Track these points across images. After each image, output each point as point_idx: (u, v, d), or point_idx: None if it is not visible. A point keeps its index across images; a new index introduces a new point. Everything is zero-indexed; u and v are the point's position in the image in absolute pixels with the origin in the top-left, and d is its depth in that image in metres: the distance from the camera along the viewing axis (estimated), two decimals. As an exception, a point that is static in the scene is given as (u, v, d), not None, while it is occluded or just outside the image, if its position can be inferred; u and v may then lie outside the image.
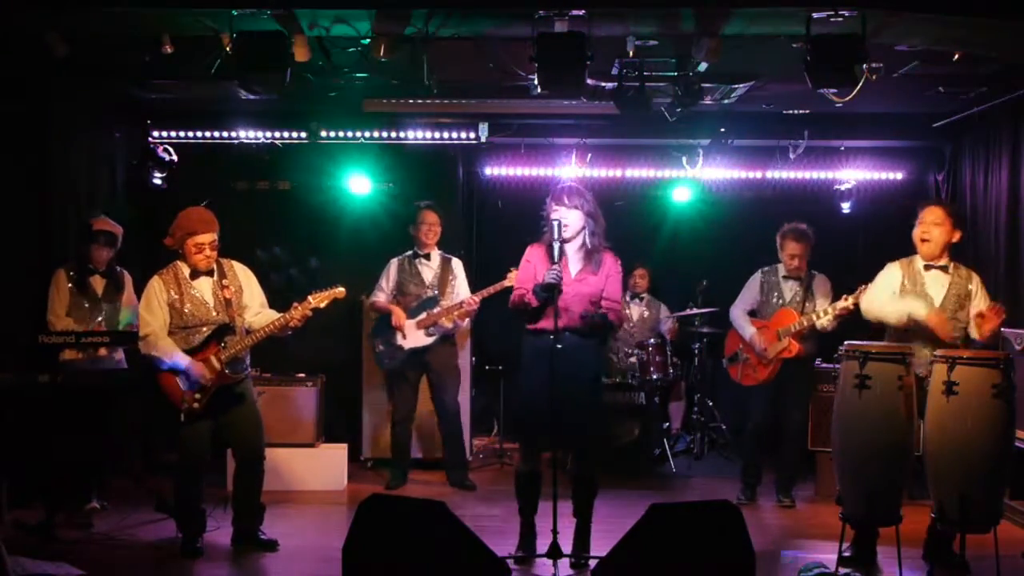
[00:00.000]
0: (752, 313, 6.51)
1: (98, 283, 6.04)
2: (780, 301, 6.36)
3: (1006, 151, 6.78)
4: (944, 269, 5.12)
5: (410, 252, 6.86)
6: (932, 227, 5.09)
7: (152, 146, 7.58)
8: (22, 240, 6.20)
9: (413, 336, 6.69)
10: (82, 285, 5.96)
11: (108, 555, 5.18)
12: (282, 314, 5.21)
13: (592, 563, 4.68)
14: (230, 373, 5.14)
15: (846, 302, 5.79)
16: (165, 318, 5.12)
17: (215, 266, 5.24)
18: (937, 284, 5.10)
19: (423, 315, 6.68)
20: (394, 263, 6.86)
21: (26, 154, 6.31)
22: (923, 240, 5.12)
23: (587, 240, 4.94)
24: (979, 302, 5.08)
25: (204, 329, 5.14)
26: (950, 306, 5.06)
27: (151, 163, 7.60)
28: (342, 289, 5.39)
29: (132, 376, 6.00)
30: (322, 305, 5.28)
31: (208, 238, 5.13)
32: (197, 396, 5.09)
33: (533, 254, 5.03)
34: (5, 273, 6.02)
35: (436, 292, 6.76)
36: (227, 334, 5.16)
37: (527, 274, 4.99)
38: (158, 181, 7.68)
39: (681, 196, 8.41)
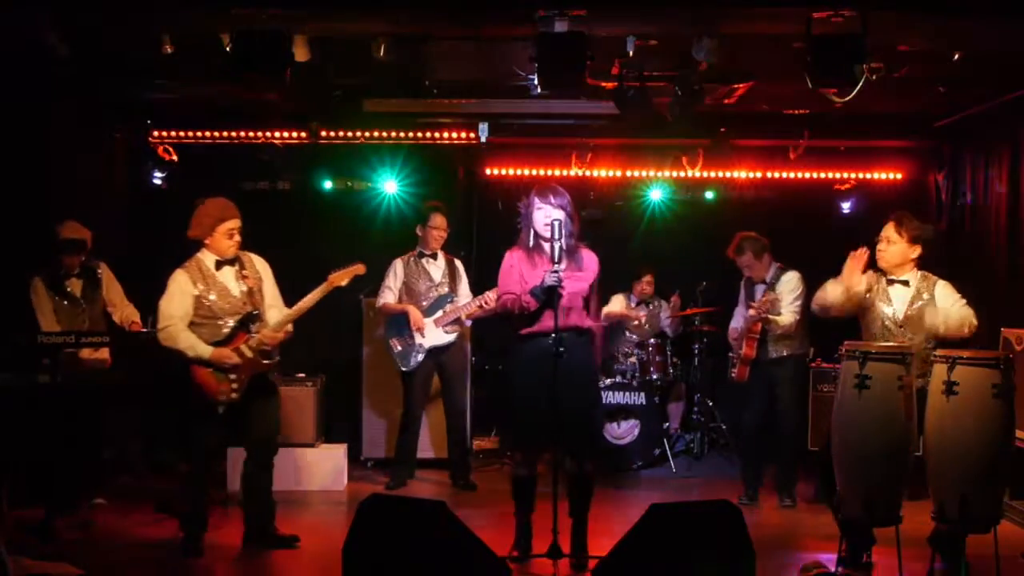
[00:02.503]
0: None
1: (75, 285, 6.03)
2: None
3: (1006, 151, 6.78)
4: (906, 283, 5.09)
5: (415, 251, 6.85)
6: (886, 244, 5.10)
7: (152, 146, 7.59)
8: (22, 240, 6.20)
9: (433, 334, 6.66)
10: (59, 290, 5.96)
11: (108, 555, 5.18)
12: (306, 296, 5.22)
13: (592, 563, 4.68)
14: (262, 360, 5.15)
15: (752, 311, 6.10)
16: (188, 310, 5.08)
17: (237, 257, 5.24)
18: (898, 299, 5.09)
19: (440, 312, 6.66)
20: (399, 263, 6.82)
21: (26, 154, 6.31)
22: (878, 255, 5.13)
23: (568, 241, 4.92)
24: (946, 305, 5.00)
25: (230, 320, 5.13)
26: (913, 318, 5.02)
27: (151, 163, 7.62)
28: (362, 265, 5.39)
29: (118, 376, 6.00)
30: (344, 283, 5.31)
31: (238, 223, 5.14)
32: (234, 386, 5.08)
33: (514, 258, 5.01)
34: (5, 273, 6.02)
35: (448, 289, 6.76)
36: (253, 322, 5.16)
37: (510, 278, 4.96)
38: (158, 181, 7.69)
39: (680, 197, 8.41)
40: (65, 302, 5.95)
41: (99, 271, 6.16)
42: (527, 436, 5.05)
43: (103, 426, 6.00)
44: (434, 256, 6.83)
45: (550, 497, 4.74)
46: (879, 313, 5.08)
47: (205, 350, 5.04)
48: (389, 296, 6.78)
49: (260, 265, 5.34)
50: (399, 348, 6.71)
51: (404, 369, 6.75)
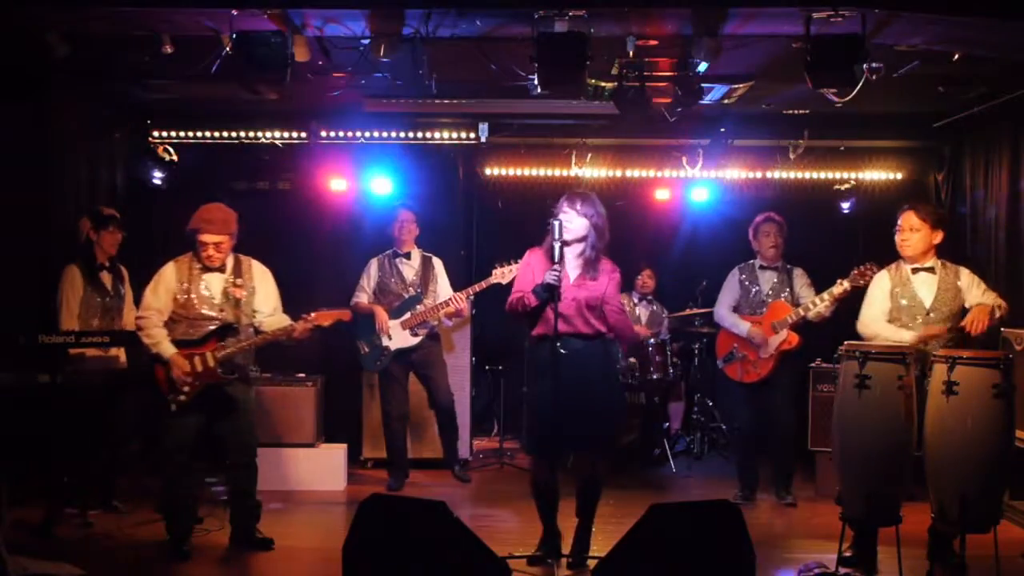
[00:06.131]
0: (735, 310, 6.53)
1: (106, 278, 6.04)
2: (759, 293, 6.42)
3: (1006, 151, 6.78)
4: (931, 270, 5.15)
5: (390, 251, 6.90)
6: (910, 233, 5.13)
7: (152, 146, 7.59)
8: (23, 240, 6.20)
9: (399, 336, 6.71)
10: (95, 281, 5.95)
11: (108, 555, 5.18)
12: (289, 323, 5.23)
13: (592, 563, 4.68)
14: (222, 373, 5.12)
15: (842, 286, 5.87)
16: (168, 304, 5.13)
17: (233, 263, 5.24)
18: (925, 286, 5.14)
19: (407, 315, 6.70)
20: (374, 263, 6.90)
21: (26, 154, 6.30)
22: (902, 246, 5.17)
23: (587, 250, 4.90)
24: (975, 293, 5.10)
25: (209, 325, 5.14)
26: (943, 307, 5.09)
27: (151, 163, 7.61)
28: (349, 312, 5.45)
29: (131, 375, 6.00)
30: (326, 324, 5.29)
31: (212, 239, 5.10)
32: (184, 389, 5.08)
33: (532, 258, 5.02)
34: (5, 273, 6.01)
35: (419, 291, 6.79)
36: (230, 334, 5.15)
37: (525, 277, 4.96)
38: (158, 181, 7.68)
39: (681, 196, 8.42)
40: (97, 295, 5.94)
41: (123, 271, 6.18)
42: (542, 440, 4.98)
43: (103, 426, 5.99)
44: (408, 256, 6.87)
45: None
46: (906, 302, 5.11)
47: (167, 349, 5.08)
48: (362, 296, 6.87)
49: (259, 273, 5.33)
50: (366, 350, 6.79)
51: (368, 371, 6.90)
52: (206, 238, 5.10)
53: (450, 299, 6.67)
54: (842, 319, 5.91)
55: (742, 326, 6.42)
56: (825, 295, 6.02)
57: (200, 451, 5.28)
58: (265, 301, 5.31)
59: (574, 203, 4.89)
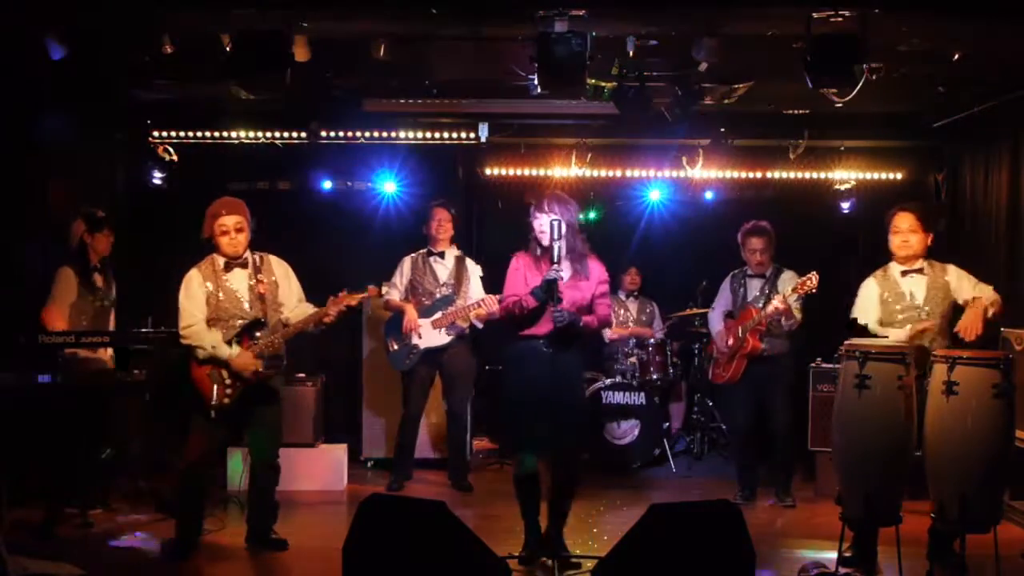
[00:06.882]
0: (731, 315, 6.56)
1: (98, 280, 6.04)
2: (746, 299, 6.44)
3: (1006, 151, 6.79)
4: (920, 271, 5.19)
5: (424, 250, 6.84)
6: (910, 235, 5.17)
7: (152, 146, 7.59)
8: (22, 241, 6.20)
9: (429, 335, 6.63)
10: (88, 283, 5.95)
11: (108, 555, 5.19)
12: (317, 309, 5.22)
13: (592, 563, 4.68)
14: (265, 368, 5.11)
15: (781, 295, 5.97)
16: (204, 306, 5.09)
17: (251, 259, 5.22)
18: (917, 286, 5.18)
19: (439, 315, 6.62)
20: (407, 260, 6.81)
21: (26, 155, 6.30)
22: (902, 248, 5.19)
23: (568, 249, 4.91)
24: (966, 287, 5.14)
25: (238, 323, 5.12)
26: (936, 306, 5.13)
27: (151, 163, 7.61)
28: (375, 288, 5.43)
29: (119, 377, 5.99)
30: (354, 303, 5.28)
31: (232, 220, 5.09)
32: (228, 391, 5.05)
33: (520, 262, 5.02)
34: (5, 273, 6.01)
35: (451, 291, 6.73)
36: (258, 328, 5.13)
37: (515, 281, 4.96)
38: (158, 181, 7.69)
39: (681, 196, 8.42)
40: (90, 297, 5.93)
41: (111, 273, 6.17)
42: (520, 435, 5.02)
43: (103, 426, 5.99)
44: (442, 255, 6.80)
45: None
46: (898, 305, 5.15)
47: (225, 351, 5.04)
48: (394, 293, 6.77)
49: (278, 267, 5.32)
50: (394, 348, 6.71)
51: (397, 369, 6.77)
52: (227, 220, 5.08)
53: (482, 301, 6.49)
54: (844, 320, 5.90)
55: (716, 327, 6.60)
56: (774, 301, 6.04)
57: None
58: (289, 294, 5.30)
59: (541, 206, 4.92)
